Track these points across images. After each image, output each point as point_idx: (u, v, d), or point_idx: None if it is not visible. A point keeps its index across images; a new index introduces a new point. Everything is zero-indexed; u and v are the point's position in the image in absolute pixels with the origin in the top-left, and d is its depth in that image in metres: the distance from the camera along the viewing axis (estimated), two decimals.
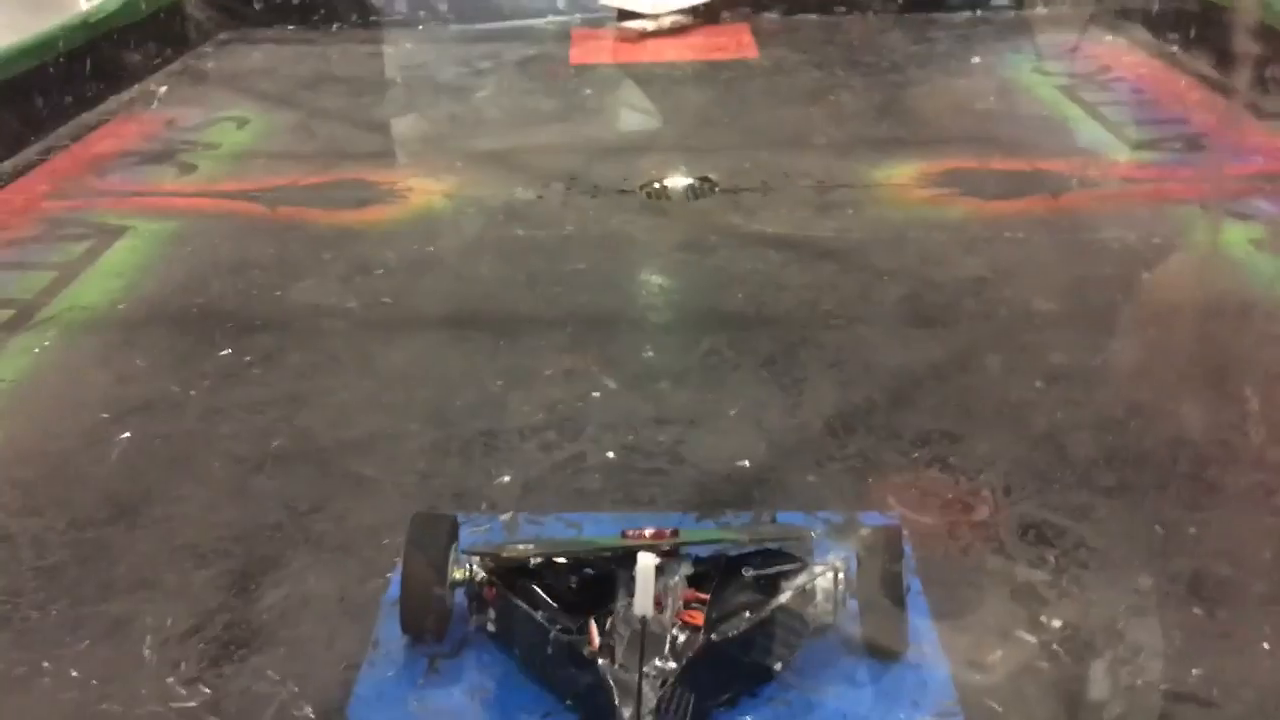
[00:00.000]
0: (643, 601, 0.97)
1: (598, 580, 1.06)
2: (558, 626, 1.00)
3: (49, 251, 1.99)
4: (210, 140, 2.57)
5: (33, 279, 1.87)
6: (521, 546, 1.11)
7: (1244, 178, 2.14)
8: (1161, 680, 1.03)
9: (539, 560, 1.07)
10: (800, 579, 1.04)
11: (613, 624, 0.99)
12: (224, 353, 1.63)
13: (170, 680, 1.06)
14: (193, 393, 1.53)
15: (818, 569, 1.05)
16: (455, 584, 1.07)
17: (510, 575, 1.06)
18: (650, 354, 1.62)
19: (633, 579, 0.99)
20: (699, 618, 1.00)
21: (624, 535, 1.08)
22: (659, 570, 1.01)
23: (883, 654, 1.04)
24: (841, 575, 1.05)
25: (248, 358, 1.62)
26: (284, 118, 2.75)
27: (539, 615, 1.01)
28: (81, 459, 1.40)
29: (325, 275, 1.89)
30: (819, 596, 1.04)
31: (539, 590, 1.05)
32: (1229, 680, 1.03)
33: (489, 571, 1.06)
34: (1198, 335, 1.59)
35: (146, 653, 1.10)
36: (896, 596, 1.04)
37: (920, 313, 1.71)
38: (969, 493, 1.27)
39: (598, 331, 1.69)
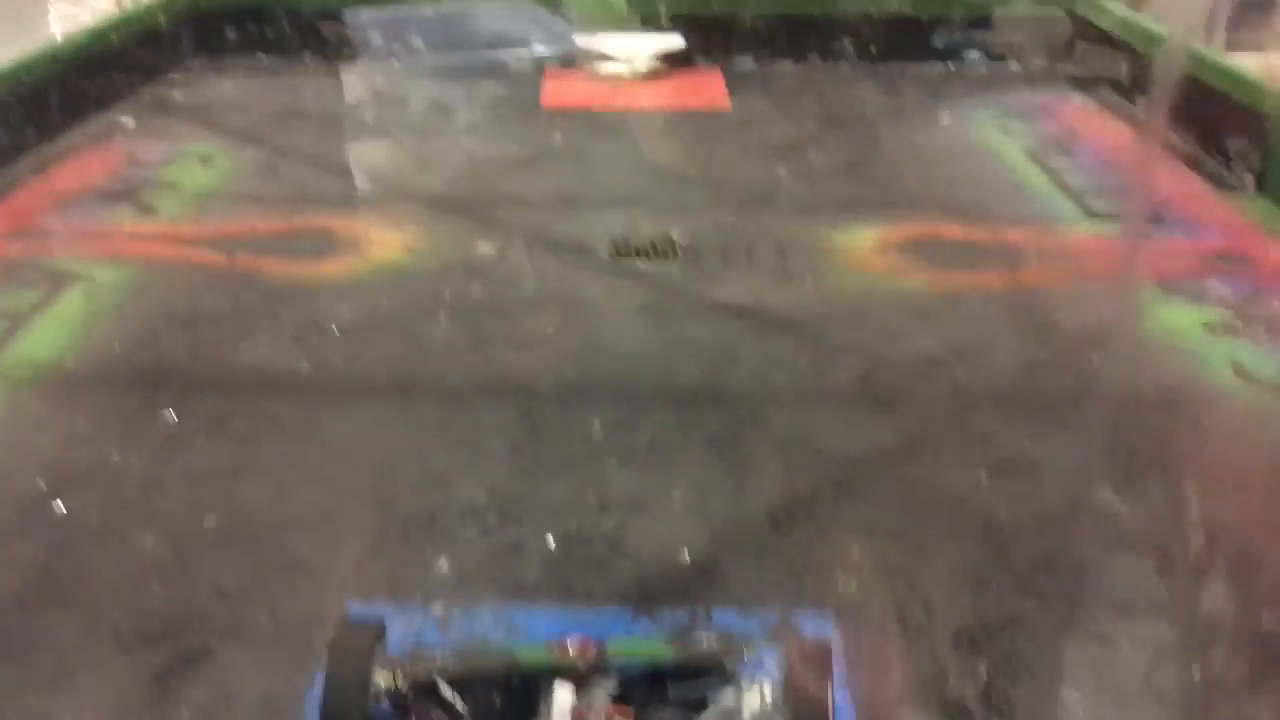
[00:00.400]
0: None
1: (524, 690, 1.05)
2: None
3: (1, 298, 1.96)
4: (172, 179, 2.55)
5: None
6: (440, 659, 1.10)
7: (1199, 255, 2.16)
8: None
9: (462, 672, 1.06)
10: (727, 698, 1.04)
11: None
12: (169, 416, 1.61)
13: None
14: (134, 461, 1.51)
15: (745, 685, 1.05)
16: (380, 693, 1.06)
17: (432, 687, 1.05)
18: (598, 429, 1.61)
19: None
20: None
21: (548, 646, 1.08)
22: (583, 684, 1.00)
23: None
24: (768, 691, 1.04)
25: (192, 423, 1.60)
26: (249, 156, 2.73)
27: None
28: (14, 534, 1.37)
29: (278, 333, 1.87)
30: (745, 716, 1.04)
31: (461, 703, 1.04)
32: None
33: (413, 685, 1.06)
34: (1144, 428, 1.59)
35: None
36: (826, 713, 1.03)
37: (872, 393, 1.71)
38: (905, 595, 1.27)
39: (548, 404, 1.68)
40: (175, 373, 1.73)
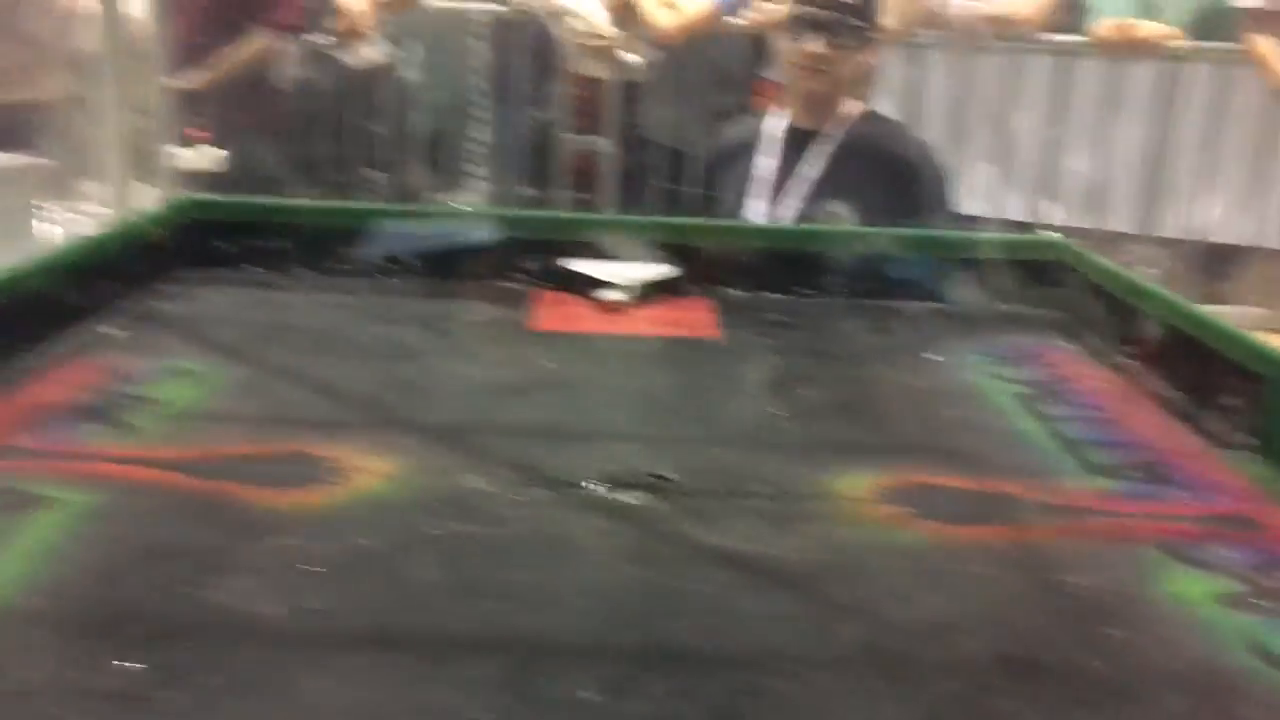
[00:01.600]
0: None
1: None
2: None
3: None
4: (154, 396, 2.49)
5: None
6: None
7: (1203, 518, 2.11)
8: None
9: None
10: None
11: None
12: (127, 666, 1.50)
13: None
14: None
15: None
16: None
17: None
18: (586, 696, 1.51)
19: None
20: None
21: None
22: None
23: None
24: None
25: (153, 676, 1.49)
26: (235, 373, 2.69)
27: None
28: None
29: (253, 571, 1.78)
30: None
31: None
32: None
33: None
34: (1170, 715, 1.51)
35: None
36: None
37: (879, 662, 1.62)
38: None
39: (533, 664, 1.58)
40: (139, 615, 1.63)
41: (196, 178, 4.78)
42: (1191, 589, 1.83)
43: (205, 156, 4.99)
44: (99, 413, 2.37)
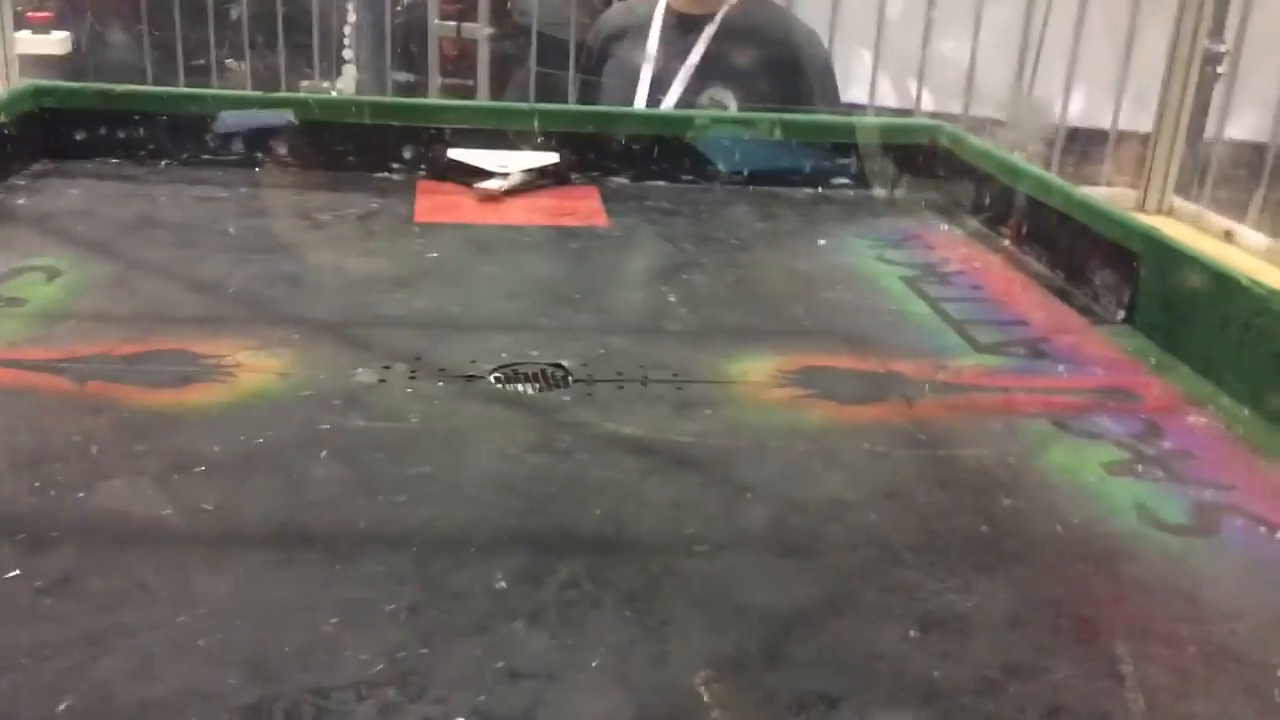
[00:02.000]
0: None
1: None
2: None
3: None
4: (15, 294, 2.34)
5: None
6: None
7: (1086, 390, 2.19)
8: None
9: None
10: None
11: None
12: (10, 575, 1.42)
13: None
14: None
15: None
16: None
17: None
18: (503, 585, 1.49)
19: None
20: None
21: None
22: None
23: None
24: None
25: (39, 582, 1.41)
26: (101, 270, 2.55)
27: None
28: None
29: (138, 473, 1.70)
30: None
31: None
32: None
33: None
34: (1063, 578, 1.57)
35: None
36: None
37: (787, 540, 1.64)
38: None
39: (444, 555, 1.55)
40: (19, 522, 1.54)
41: (39, 62, 4.45)
42: (1078, 459, 1.89)
43: (48, 40, 4.65)
44: None
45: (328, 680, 1.28)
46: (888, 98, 6.73)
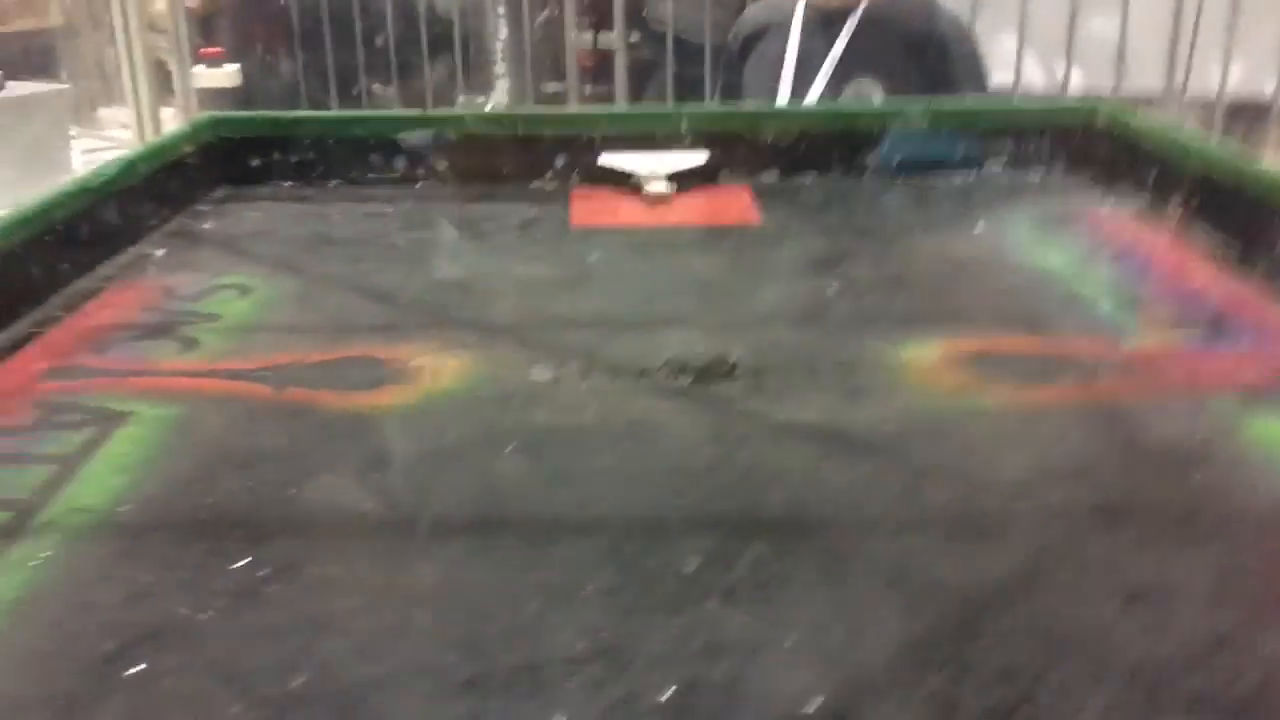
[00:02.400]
0: None
1: None
2: None
3: (47, 441, 1.88)
4: (211, 311, 2.50)
5: (31, 474, 1.76)
6: None
7: (1276, 363, 2.11)
8: None
9: None
10: None
11: None
12: (238, 565, 1.53)
13: None
14: (206, 616, 1.42)
15: None
16: None
17: None
18: (693, 568, 1.53)
19: None
20: None
21: None
22: None
23: None
24: None
25: (263, 572, 1.51)
26: (286, 285, 2.69)
27: None
28: (86, 702, 1.27)
29: (340, 470, 1.80)
30: None
31: None
32: None
33: None
34: (1265, 552, 1.52)
35: None
36: None
37: (971, 520, 1.64)
38: None
39: (634, 539, 1.60)
40: (239, 517, 1.65)
41: (215, 96, 4.73)
42: (1272, 432, 1.83)
43: (221, 74, 4.92)
44: (159, 330, 2.38)
45: (536, 656, 1.34)
46: (1034, 80, 6.57)
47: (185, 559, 1.55)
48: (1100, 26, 6.41)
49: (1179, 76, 6.51)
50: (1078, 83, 6.43)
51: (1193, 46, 6.11)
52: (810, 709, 1.25)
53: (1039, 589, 1.46)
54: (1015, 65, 6.37)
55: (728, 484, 1.76)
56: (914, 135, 3.60)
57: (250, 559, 1.54)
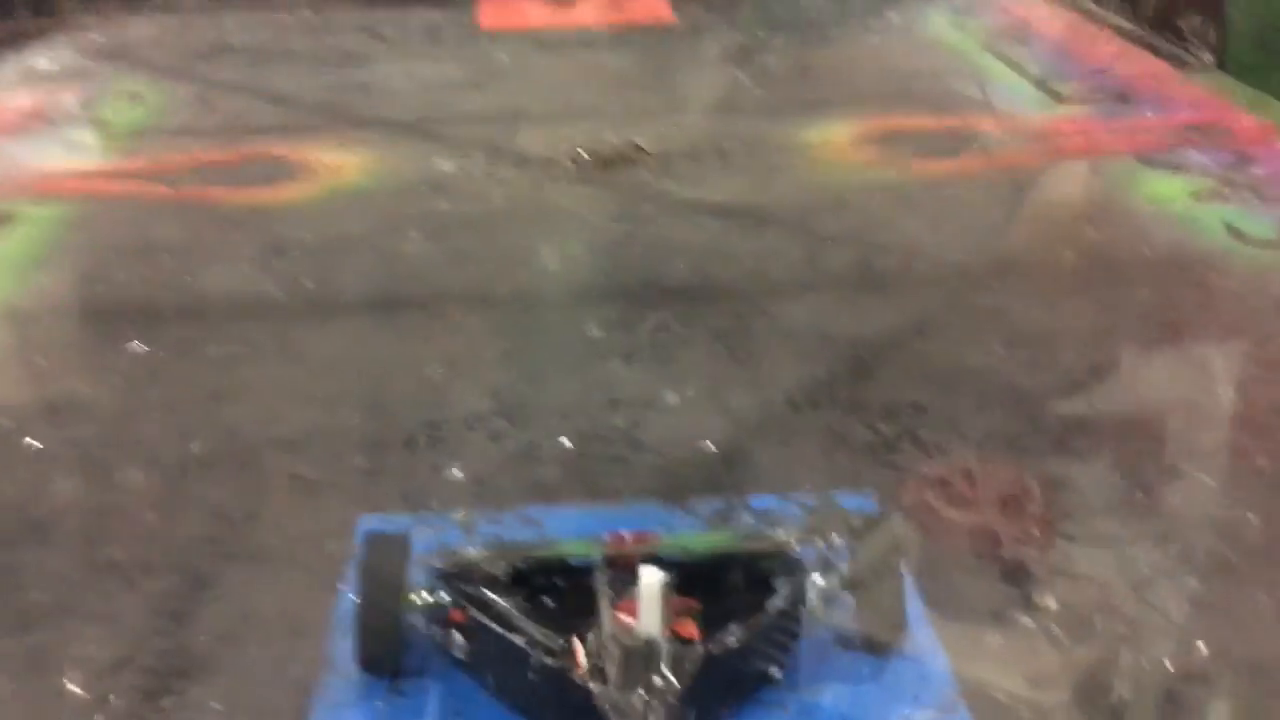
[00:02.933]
0: (650, 621, 0.89)
1: (574, 590, 0.98)
2: (538, 649, 0.91)
3: None
4: (102, 117, 2.41)
5: None
6: (478, 558, 1.01)
7: (1173, 129, 2.14)
8: (1163, 655, 0.99)
9: (508, 573, 0.98)
10: (793, 577, 0.97)
11: (598, 640, 0.90)
12: (134, 347, 1.51)
13: (99, 718, 0.96)
14: (103, 392, 1.41)
15: (810, 566, 0.99)
16: (417, 609, 0.97)
17: (477, 594, 0.97)
18: (596, 333, 1.54)
19: (614, 588, 0.92)
20: (693, 629, 0.92)
21: (599, 540, 1.00)
22: (664, 567, 0.94)
23: (879, 647, 0.98)
24: (834, 570, 0.99)
25: (161, 352, 1.50)
26: (180, 91, 2.59)
27: (517, 639, 0.92)
28: None
29: (238, 259, 1.77)
30: (811, 594, 0.97)
31: (512, 609, 0.96)
32: (1232, 654, 1.00)
33: (455, 593, 0.97)
34: (1152, 292, 1.57)
35: (71, 687, 0.99)
36: (895, 590, 0.98)
37: (870, 278, 1.67)
38: (945, 470, 1.22)
39: (537, 310, 1.61)
40: (135, 305, 1.63)
41: None
42: (1167, 189, 1.87)
43: None
44: (46, 135, 2.29)
45: (439, 414, 1.35)
46: None
47: (81, 345, 1.54)
48: None
49: None
50: None
51: None
52: (705, 450, 1.28)
53: (930, 336, 1.50)
54: None
55: (633, 257, 1.77)
56: None
57: (147, 341, 1.52)
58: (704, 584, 0.97)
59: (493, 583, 0.97)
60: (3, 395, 1.41)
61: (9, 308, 1.63)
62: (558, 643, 0.91)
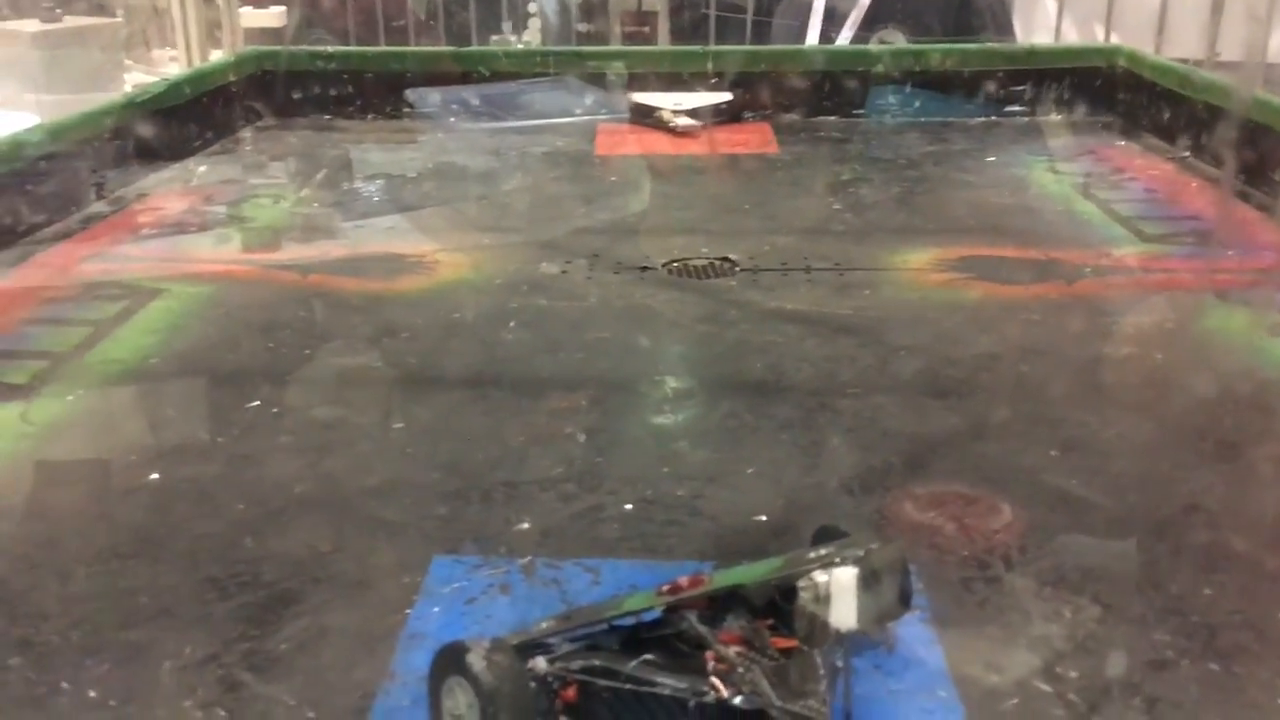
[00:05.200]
0: (845, 615, 0.94)
1: (655, 642, 1.03)
2: (686, 693, 0.94)
3: (84, 310, 2.03)
4: (245, 214, 2.65)
5: (67, 334, 1.91)
6: (547, 624, 1.04)
7: (1255, 271, 2.18)
8: None
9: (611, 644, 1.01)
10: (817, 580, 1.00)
11: (731, 670, 0.95)
12: (252, 404, 1.67)
13: (187, 704, 1.07)
14: (220, 440, 1.56)
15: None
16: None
17: (595, 665, 0.98)
18: (669, 417, 1.65)
19: (706, 624, 0.98)
20: (791, 640, 0.98)
21: (659, 593, 1.07)
22: (724, 610, 1.00)
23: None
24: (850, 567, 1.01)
25: (275, 410, 1.65)
26: (318, 196, 2.83)
27: (663, 691, 0.94)
28: (108, 497, 1.42)
29: (353, 337, 1.93)
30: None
31: (638, 667, 0.97)
32: None
33: (563, 672, 0.97)
34: (1215, 412, 1.61)
35: (165, 677, 1.11)
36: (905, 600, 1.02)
37: (936, 385, 1.74)
38: (984, 549, 1.28)
39: (618, 394, 1.72)
40: (257, 370, 1.79)
41: (261, 34, 4.87)
42: (1240, 322, 1.91)
43: (267, 14, 5.09)
44: (196, 228, 2.53)
45: (516, 476, 1.46)
46: (1072, 41, 6.56)
47: (206, 400, 1.70)
48: None
49: (1219, 41, 6.47)
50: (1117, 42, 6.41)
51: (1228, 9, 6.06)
52: (759, 519, 1.36)
53: (986, 439, 1.56)
54: (1055, 26, 6.37)
55: (713, 355, 1.88)
56: (932, 86, 3.67)
57: (264, 400, 1.68)
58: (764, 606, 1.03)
59: (599, 651, 1.01)
60: (134, 437, 1.57)
61: (148, 365, 1.81)
62: (695, 685, 0.95)
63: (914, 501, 1.30)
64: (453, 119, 3.69)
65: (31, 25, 3.74)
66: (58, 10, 3.81)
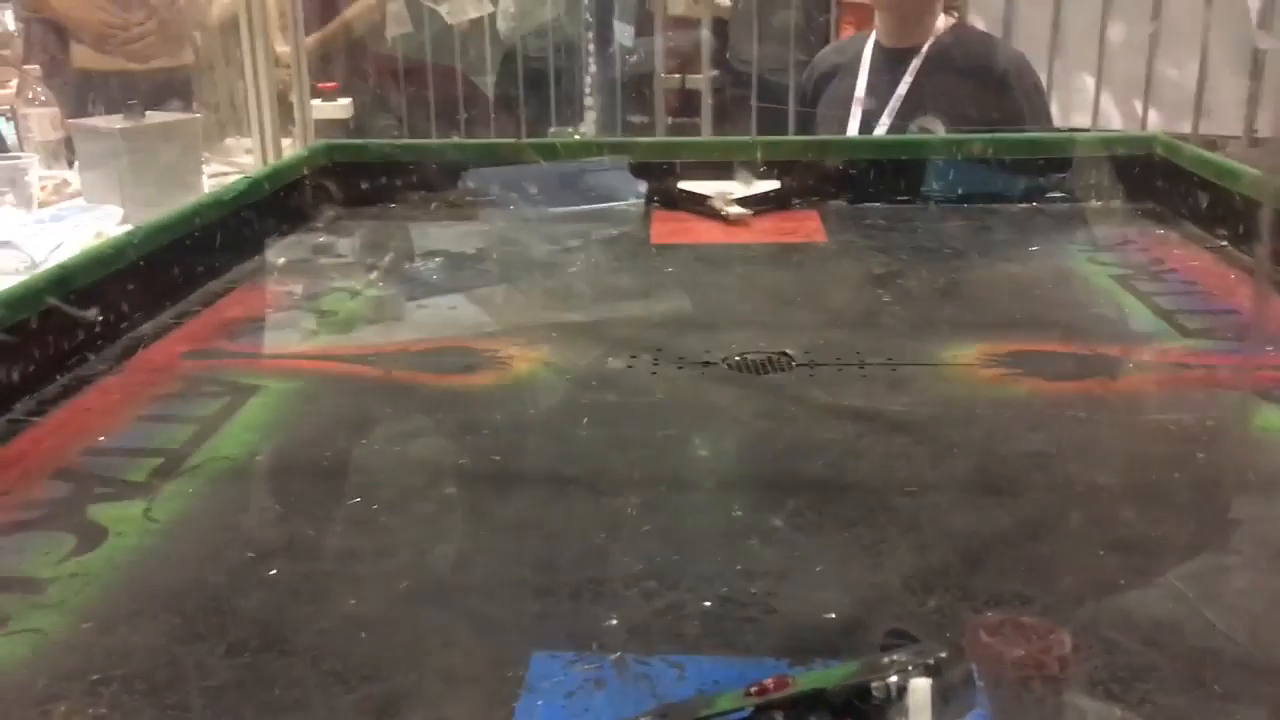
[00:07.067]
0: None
1: None
2: None
3: (190, 406, 2.19)
4: (327, 308, 2.81)
5: (178, 431, 2.07)
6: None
7: None
8: None
9: None
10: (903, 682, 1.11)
11: None
12: (353, 501, 1.80)
13: None
14: (327, 537, 1.70)
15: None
16: None
17: None
18: (739, 514, 1.77)
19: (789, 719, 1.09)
20: None
21: (748, 693, 1.18)
22: (807, 710, 1.11)
23: None
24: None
25: (375, 506, 1.79)
26: (391, 288, 3.00)
27: None
28: (233, 593, 1.56)
29: (439, 434, 2.08)
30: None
31: None
32: None
33: None
34: (1257, 515, 1.71)
35: None
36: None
37: (989, 484, 1.85)
38: (1041, 650, 1.38)
39: (689, 492, 1.84)
40: (354, 468, 1.93)
41: (329, 126, 5.14)
42: (1277, 421, 2.01)
43: (336, 106, 5.35)
44: (283, 322, 2.69)
45: (601, 574, 1.59)
46: (1112, 121, 6.70)
47: (309, 496, 1.84)
48: (1178, 69, 6.51)
49: (1257, 119, 6.58)
50: (1155, 124, 6.53)
51: (1267, 86, 6.18)
52: (830, 617, 1.48)
53: (1040, 538, 1.66)
54: (1093, 107, 6.51)
55: (774, 451, 2.00)
56: (976, 168, 3.81)
57: (364, 497, 1.82)
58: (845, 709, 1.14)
59: None
60: (249, 532, 1.71)
61: (254, 462, 1.96)
62: None
63: (986, 630, 1.39)
64: (512, 205, 3.87)
65: (117, 121, 3.97)
66: (141, 106, 4.04)
